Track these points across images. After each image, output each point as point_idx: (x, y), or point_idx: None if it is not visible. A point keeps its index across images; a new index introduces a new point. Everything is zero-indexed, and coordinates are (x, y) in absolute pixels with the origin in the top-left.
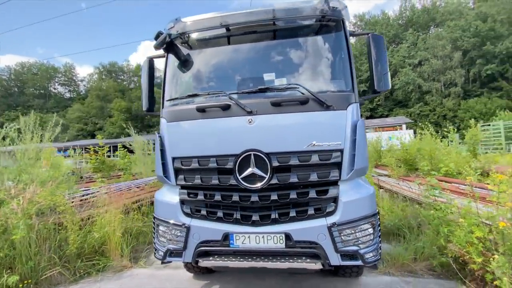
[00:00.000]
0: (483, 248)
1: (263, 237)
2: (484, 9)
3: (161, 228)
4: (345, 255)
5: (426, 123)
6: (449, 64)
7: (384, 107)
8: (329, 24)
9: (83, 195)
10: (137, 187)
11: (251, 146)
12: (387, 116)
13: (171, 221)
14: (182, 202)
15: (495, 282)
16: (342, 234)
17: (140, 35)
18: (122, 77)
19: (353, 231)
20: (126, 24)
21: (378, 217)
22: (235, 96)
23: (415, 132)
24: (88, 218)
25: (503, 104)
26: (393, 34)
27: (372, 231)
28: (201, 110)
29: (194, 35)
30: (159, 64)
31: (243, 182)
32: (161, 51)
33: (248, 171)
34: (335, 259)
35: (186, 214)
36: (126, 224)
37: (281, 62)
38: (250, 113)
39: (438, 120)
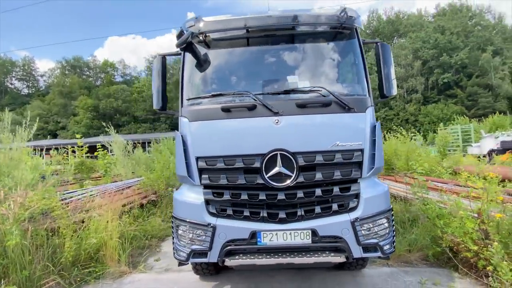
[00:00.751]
0: (476, 238)
1: (290, 233)
2: (442, 22)
3: (182, 228)
4: (367, 248)
5: (399, 127)
6: (410, 72)
7: None
8: (345, 31)
9: (74, 198)
10: (128, 188)
11: (277, 146)
12: None
13: (196, 221)
14: (207, 202)
15: (488, 268)
16: (363, 228)
17: (106, 30)
18: (88, 73)
19: (372, 225)
20: (92, 18)
21: (392, 212)
22: (260, 97)
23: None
24: (82, 222)
25: (457, 110)
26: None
27: (388, 225)
28: (227, 110)
29: (214, 35)
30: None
31: (269, 181)
32: (167, 49)
33: (275, 170)
34: (357, 252)
35: (212, 214)
36: (120, 228)
37: (300, 66)
38: (276, 113)
39: (402, 124)
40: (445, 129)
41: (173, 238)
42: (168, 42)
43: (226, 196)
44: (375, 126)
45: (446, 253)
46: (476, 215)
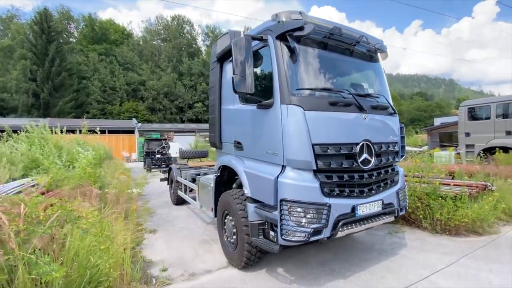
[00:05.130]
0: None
1: (371, 204)
2: None
3: (299, 210)
4: (401, 209)
5: None
6: None
7: None
8: (383, 54)
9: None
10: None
11: (365, 137)
12: None
13: (315, 202)
14: (321, 184)
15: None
16: (400, 196)
17: None
18: None
19: (403, 193)
20: None
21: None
22: (350, 96)
23: None
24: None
25: None
26: None
27: (406, 193)
28: (333, 103)
29: (315, 35)
30: None
31: (361, 165)
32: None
33: (364, 156)
34: (398, 212)
35: (325, 195)
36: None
37: (359, 75)
38: (364, 111)
39: None
40: None
41: (281, 221)
42: None
43: (335, 179)
44: (402, 127)
45: (406, 217)
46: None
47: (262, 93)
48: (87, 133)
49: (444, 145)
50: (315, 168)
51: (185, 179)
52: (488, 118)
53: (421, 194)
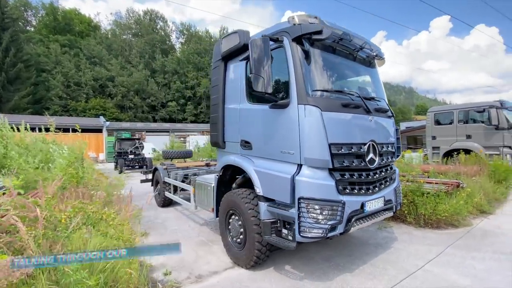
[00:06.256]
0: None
1: (376, 201)
2: None
3: (316, 207)
4: (399, 204)
5: None
6: None
7: (206, 114)
8: (380, 61)
9: None
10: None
11: (371, 137)
12: (207, 122)
13: (331, 199)
14: (337, 182)
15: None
16: (398, 192)
17: None
18: None
19: (399, 190)
20: None
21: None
22: (359, 98)
23: None
24: None
25: None
26: None
27: (401, 190)
28: (345, 105)
29: (328, 41)
30: None
31: (368, 164)
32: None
33: (370, 155)
34: (396, 208)
35: (340, 192)
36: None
37: (362, 79)
38: (370, 113)
39: None
40: None
41: (299, 218)
42: None
43: (347, 177)
44: (397, 129)
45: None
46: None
47: (273, 93)
48: (55, 132)
49: (410, 147)
50: (331, 166)
51: (176, 180)
52: (451, 123)
53: (406, 192)
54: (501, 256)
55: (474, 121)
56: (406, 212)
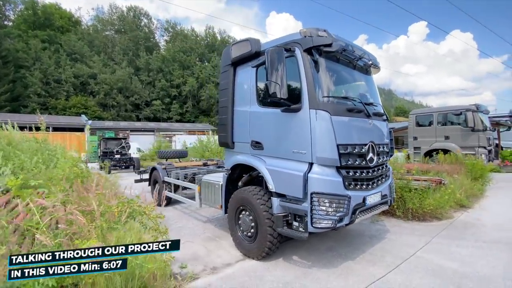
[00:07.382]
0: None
1: (375, 195)
2: None
3: (326, 201)
4: (393, 198)
5: None
6: None
7: (191, 113)
8: (375, 69)
9: None
10: None
11: (371, 139)
12: (193, 121)
13: (340, 194)
14: (343, 178)
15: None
16: (392, 188)
17: None
18: None
19: (393, 186)
20: None
21: None
22: (361, 104)
23: None
24: None
25: None
26: (201, 52)
27: (394, 186)
28: (350, 110)
29: (334, 52)
30: None
31: (368, 162)
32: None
33: (370, 155)
34: (390, 202)
35: (346, 188)
36: None
37: (360, 85)
38: (370, 117)
39: None
40: None
41: (311, 211)
42: None
43: (351, 174)
44: (391, 131)
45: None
46: None
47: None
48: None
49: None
50: (339, 165)
51: (178, 179)
52: (431, 124)
53: (395, 188)
54: (483, 244)
55: (452, 123)
56: (395, 206)
